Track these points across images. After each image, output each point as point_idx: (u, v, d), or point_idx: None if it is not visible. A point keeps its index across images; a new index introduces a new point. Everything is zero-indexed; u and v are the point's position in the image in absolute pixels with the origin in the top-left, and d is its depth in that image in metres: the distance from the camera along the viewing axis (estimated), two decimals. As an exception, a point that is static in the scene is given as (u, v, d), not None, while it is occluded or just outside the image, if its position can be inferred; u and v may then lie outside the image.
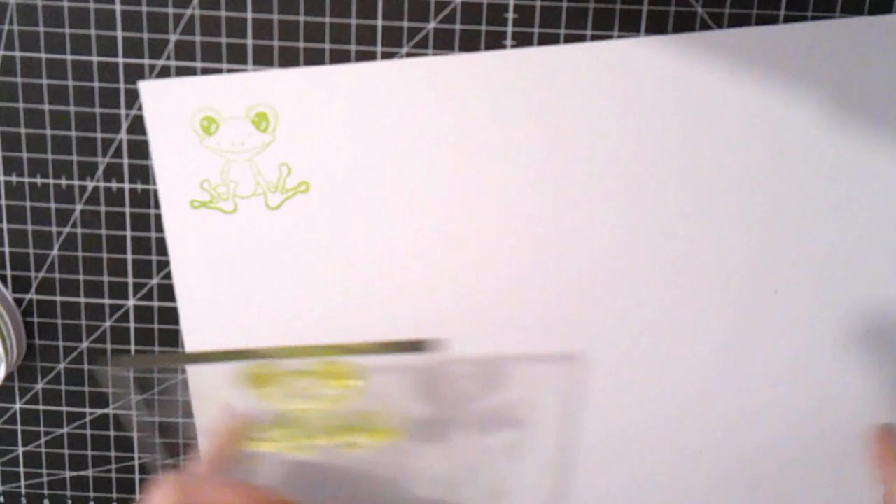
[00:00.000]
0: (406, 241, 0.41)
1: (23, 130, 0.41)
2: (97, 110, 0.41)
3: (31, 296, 0.43)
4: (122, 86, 0.40)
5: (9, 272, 0.43)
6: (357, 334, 0.42)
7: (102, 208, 0.42)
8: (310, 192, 0.40)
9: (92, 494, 0.46)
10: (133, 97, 0.40)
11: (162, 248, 0.42)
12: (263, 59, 0.40)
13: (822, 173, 0.40)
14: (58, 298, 0.43)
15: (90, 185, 0.41)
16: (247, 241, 0.41)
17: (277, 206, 0.41)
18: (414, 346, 0.37)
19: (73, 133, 0.41)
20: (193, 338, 0.43)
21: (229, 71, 0.40)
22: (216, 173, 0.41)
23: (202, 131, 0.40)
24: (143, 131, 0.40)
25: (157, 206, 0.41)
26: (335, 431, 0.40)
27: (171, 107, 0.40)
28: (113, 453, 0.45)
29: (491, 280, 0.42)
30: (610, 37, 0.39)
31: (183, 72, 0.40)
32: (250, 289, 0.42)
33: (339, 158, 0.40)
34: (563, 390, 0.42)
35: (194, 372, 0.43)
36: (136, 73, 0.40)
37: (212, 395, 0.42)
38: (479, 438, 0.43)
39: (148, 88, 0.40)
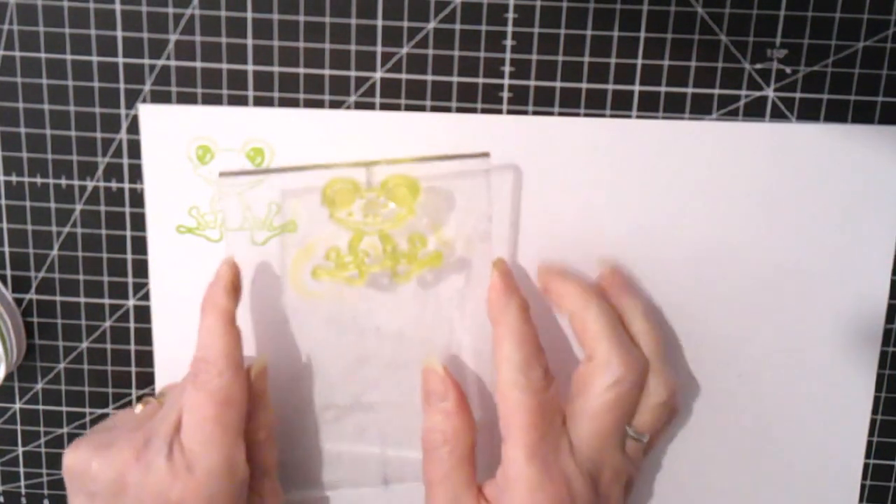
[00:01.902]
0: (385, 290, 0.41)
1: (23, 130, 0.41)
2: (97, 110, 0.41)
3: (31, 296, 0.43)
4: (122, 86, 0.40)
5: (9, 272, 0.43)
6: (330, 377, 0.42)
7: (102, 208, 0.42)
8: (297, 233, 0.40)
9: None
10: (133, 97, 0.40)
11: (162, 248, 0.42)
12: (263, 58, 0.40)
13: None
14: (58, 298, 0.43)
15: (90, 185, 0.41)
16: None
17: (263, 242, 0.41)
18: (478, 155, 0.39)
19: (73, 133, 0.41)
20: (166, 360, 0.43)
21: (229, 71, 0.40)
22: (206, 202, 0.41)
23: (196, 160, 0.40)
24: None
25: (157, 206, 0.41)
26: (386, 258, 0.40)
27: (168, 133, 0.40)
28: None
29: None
30: (610, 37, 0.39)
31: (183, 71, 0.40)
32: None
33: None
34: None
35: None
36: (136, 73, 0.40)
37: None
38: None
39: (147, 112, 0.40)
